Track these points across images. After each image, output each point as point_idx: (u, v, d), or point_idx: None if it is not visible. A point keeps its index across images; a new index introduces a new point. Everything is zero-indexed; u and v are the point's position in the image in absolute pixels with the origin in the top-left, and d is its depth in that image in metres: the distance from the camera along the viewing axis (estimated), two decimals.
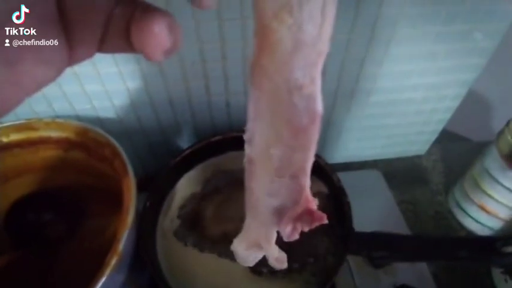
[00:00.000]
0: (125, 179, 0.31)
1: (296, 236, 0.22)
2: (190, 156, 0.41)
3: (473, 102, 0.53)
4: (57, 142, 0.36)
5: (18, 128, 0.35)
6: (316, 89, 0.15)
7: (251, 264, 0.27)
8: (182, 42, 0.14)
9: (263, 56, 0.14)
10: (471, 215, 0.45)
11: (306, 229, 0.21)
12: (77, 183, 0.40)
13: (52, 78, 0.14)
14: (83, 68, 0.36)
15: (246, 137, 0.18)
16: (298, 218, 0.21)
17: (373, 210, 0.47)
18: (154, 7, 0.14)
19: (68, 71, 0.42)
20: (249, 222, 0.25)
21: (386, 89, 0.43)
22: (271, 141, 0.18)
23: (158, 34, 0.13)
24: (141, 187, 0.32)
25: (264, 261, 0.28)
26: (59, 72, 0.14)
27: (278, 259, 0.24)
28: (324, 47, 0.14)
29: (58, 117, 0.38)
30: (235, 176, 0.41)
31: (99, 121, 0.42)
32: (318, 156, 0.39)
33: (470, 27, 0.37)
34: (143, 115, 0.43)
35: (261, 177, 0.20)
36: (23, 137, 0.36)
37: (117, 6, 0.14)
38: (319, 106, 0.16)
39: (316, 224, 0.21)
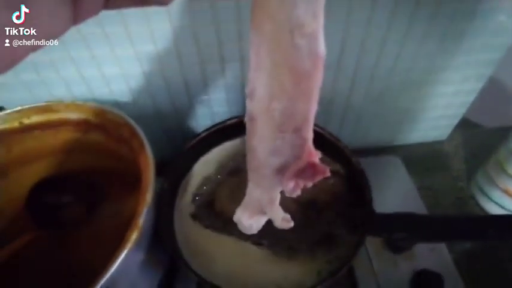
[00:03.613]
0: (142, 156, 0.31)
1: (298, 192, 0.21)
2: (206, 140, 0.41)
3: (495, 89, 0.51)
4: (77, 124, 0.37)
5: (39, 110, 0.36)
6: (319, 27, 0.14)
7: (255, 232, 0.27)
8: None
9: None
10: (495, 200, 0.43)
11: (309, 184, 0.21)
12: (95, 165, 0.40)
13: (57, 34, 0.14)
14: (100, 51, 0.36)
15: (247, 90, 0.18)
16: (301, 173, 0.20)
17: (392, 196, 0.46)
18: None
19: (86, 54, 0.41)
20: (251, 187, 0.24)
21: (406, 70, 0.42)
22: (273, 92, 0.17)
23: None
24: (157, 171, 0.31)
25: (263, 234, 0.28)
26: (64, 28, 0.14)
27: (284, 219, 0.24)
28: None
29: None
30: None
31: (116, 105, 0.42)
32: (336, 139, 0.39)
33: (494, 7, 0.36)
34: (159, 98, 0.43)
35: (264, 135, 0.19)
36: (43, 119, 0.36)
37: None
38: (322, 47, 0.15)
39: (319, 177, 0.20)
